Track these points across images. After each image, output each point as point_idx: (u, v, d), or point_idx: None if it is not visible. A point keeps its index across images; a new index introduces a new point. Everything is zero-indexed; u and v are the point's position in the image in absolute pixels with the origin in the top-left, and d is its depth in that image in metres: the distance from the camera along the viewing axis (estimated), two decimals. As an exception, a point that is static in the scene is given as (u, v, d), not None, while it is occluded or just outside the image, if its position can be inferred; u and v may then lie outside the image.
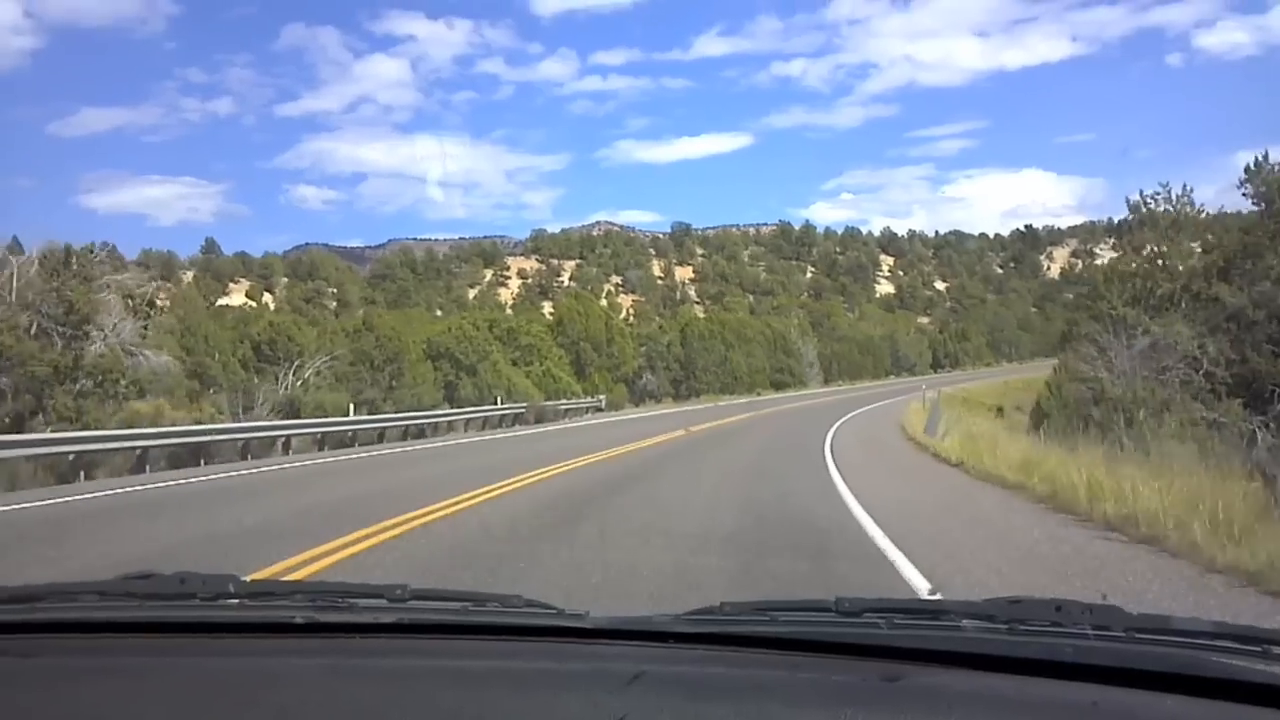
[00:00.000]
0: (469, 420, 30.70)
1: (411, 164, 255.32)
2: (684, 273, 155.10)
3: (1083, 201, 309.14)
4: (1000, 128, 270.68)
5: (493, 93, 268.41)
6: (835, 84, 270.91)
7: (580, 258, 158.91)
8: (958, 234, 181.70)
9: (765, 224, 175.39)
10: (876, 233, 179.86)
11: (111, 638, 1.70)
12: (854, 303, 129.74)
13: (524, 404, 35.34)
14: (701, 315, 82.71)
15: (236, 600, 1.82)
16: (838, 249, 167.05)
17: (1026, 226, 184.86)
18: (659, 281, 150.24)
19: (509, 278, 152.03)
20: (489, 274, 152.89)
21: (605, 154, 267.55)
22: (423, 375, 36.30)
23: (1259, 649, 1.44)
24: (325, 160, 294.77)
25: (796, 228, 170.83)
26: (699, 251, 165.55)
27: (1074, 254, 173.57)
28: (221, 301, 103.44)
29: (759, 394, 61.99)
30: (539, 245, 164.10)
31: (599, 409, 41.65)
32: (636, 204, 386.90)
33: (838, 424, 27.24)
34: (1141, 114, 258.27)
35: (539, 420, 34.25)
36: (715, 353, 60.66)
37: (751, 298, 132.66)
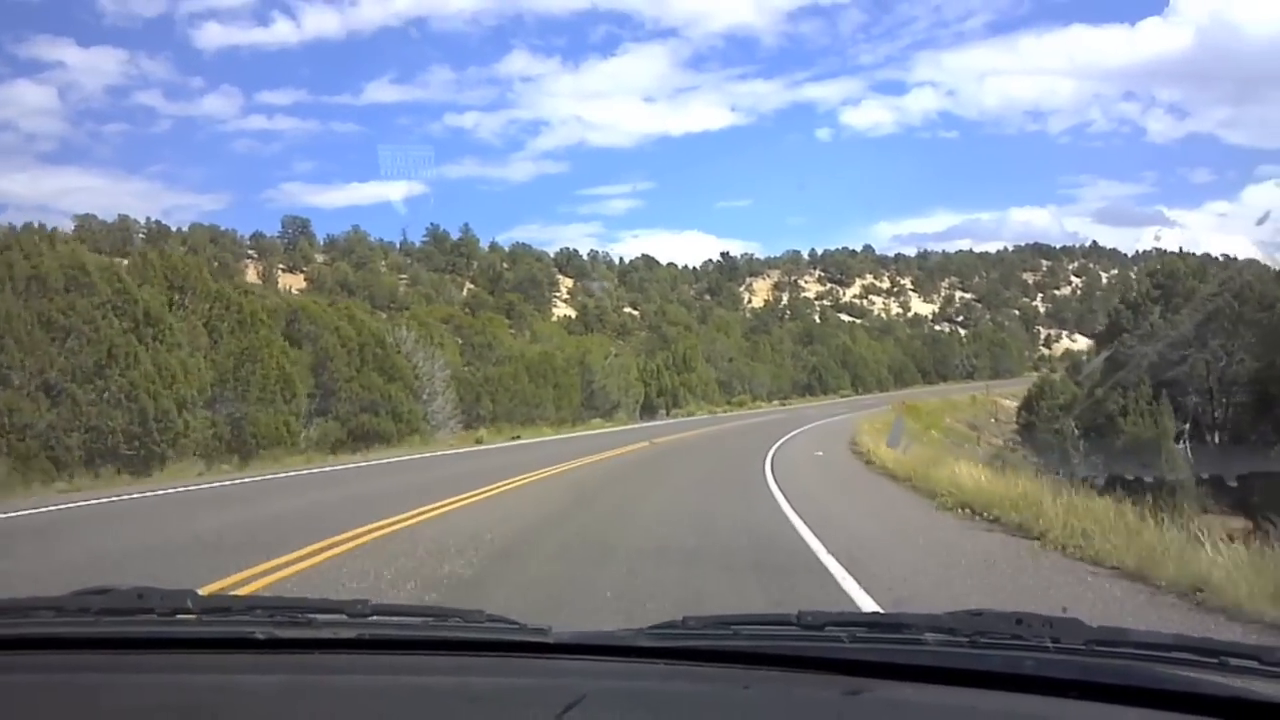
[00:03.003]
0: None
1: (57, 198, 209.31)
2: (292, 280, 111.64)
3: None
4: (665, 190, 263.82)
5: (149, 126, 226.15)
6: (508, 138, 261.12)
7: (123, 256, 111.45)
8: (647, 258, 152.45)
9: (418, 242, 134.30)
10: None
11: (68, 654, 1.62)
12: (524, 324, 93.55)
13: None
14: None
15: (195, 616, 1.72)
16: (505, 263, 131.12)
17: (724, 254, 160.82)
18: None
19: None
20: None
21: (271, 195, 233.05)
22: None
23: (1216, 661, 1.42)
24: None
25: (455, 236, 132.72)
26: (319, 258, 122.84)
27: (777, 286, 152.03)
28: None
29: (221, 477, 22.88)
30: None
31: None
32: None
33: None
34: (795, 183, 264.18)
35: None
36: (122, 347, 20.56)
37: (385, 315, 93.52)
